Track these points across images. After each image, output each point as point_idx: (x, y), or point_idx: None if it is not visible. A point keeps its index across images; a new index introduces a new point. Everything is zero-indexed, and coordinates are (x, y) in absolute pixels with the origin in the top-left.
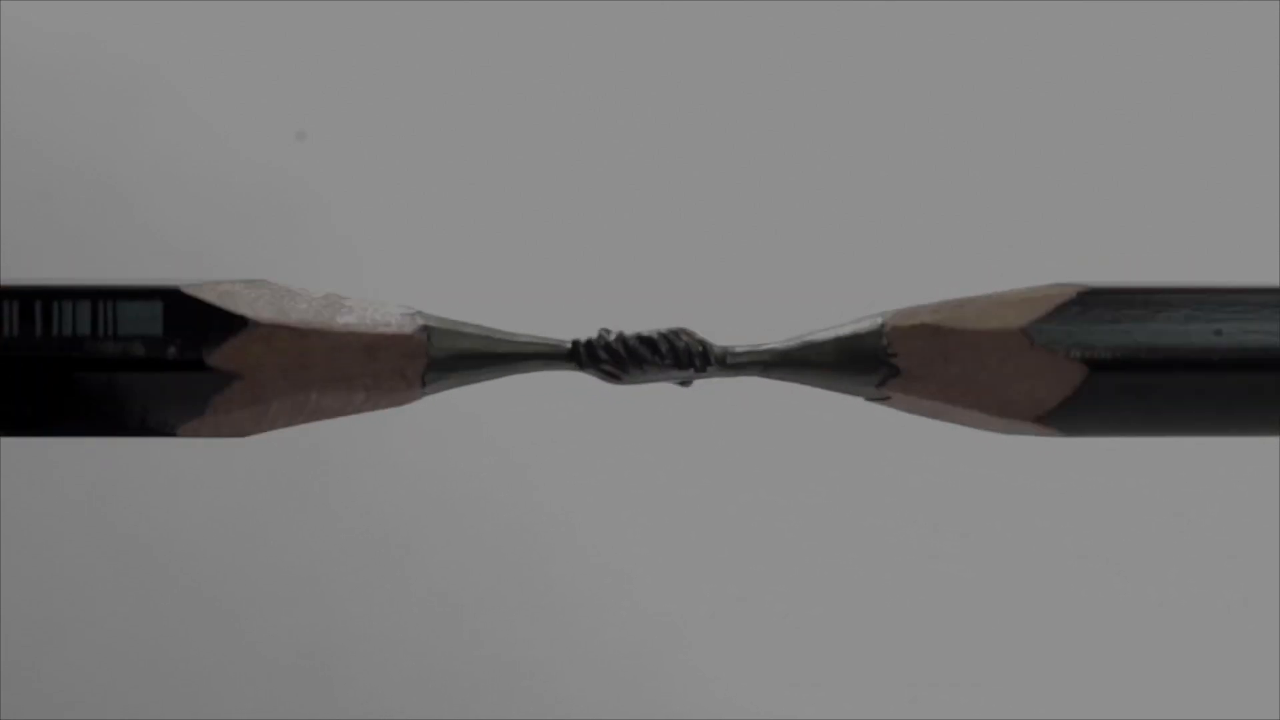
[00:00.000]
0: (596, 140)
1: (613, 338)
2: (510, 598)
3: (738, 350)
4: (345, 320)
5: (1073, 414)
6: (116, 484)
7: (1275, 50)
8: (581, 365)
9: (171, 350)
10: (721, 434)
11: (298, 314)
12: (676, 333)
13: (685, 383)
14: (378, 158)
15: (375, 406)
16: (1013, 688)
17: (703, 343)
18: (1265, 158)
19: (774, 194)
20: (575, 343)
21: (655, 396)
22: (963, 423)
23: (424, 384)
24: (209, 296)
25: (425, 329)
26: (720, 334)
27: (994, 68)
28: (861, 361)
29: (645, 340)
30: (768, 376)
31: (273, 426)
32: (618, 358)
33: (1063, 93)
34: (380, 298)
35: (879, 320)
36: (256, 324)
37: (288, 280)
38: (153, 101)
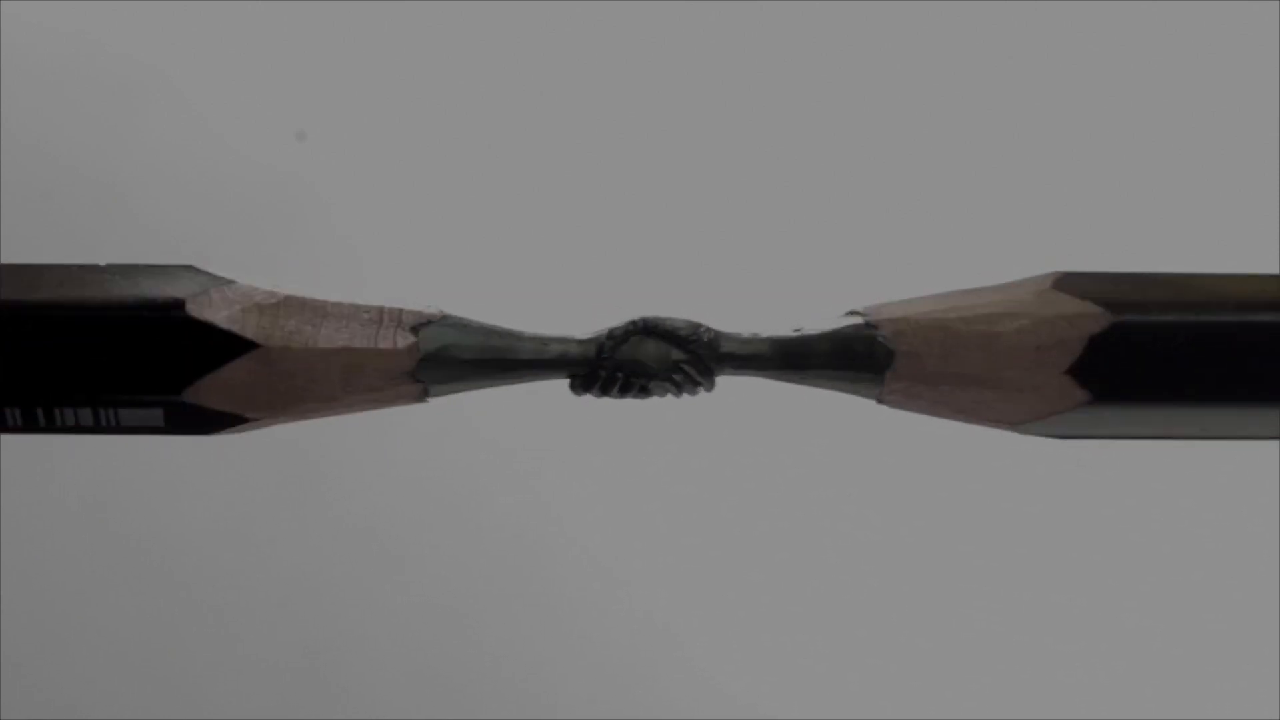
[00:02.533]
0: (595, 140)
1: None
2: (509, 600)
3: (737, 338)
4: (337, 334)
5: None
6: (116, 486)
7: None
8: (597, 362)
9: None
10: (720, 439)
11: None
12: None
13: (683, 381)
14: (378, 158)
15: (373, 406)
16: (1012, 687)
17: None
18: (1237, 148)
19: (753, 188)
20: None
21: (653, 399)
22: (970, 384)
23: (423, 389)
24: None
25: (417, 339)
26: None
27: (978, 59)
28: (861, 358)
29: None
30: (764, 371)
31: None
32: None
33: (1047, 83)
34: (383, 297)
35: (867, 318)
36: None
37: (288, 280)
38: (153, 101)
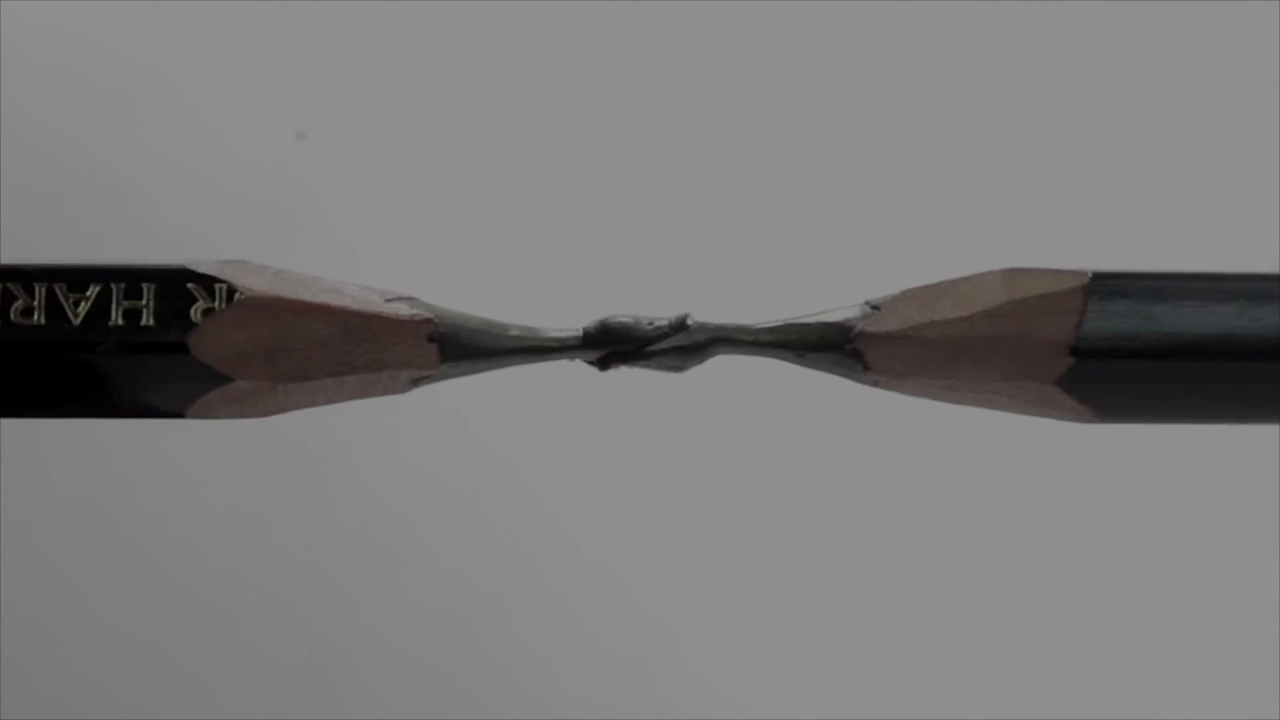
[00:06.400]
0: (599, 139)
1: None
2: (509, 598)
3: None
4: (346, 303)
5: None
6: (116, 482)
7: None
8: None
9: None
10: (720, 431)
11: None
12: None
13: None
14: (377, 157)
15: (374, 394)
16: (1012, 687)
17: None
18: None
19: (750, 181)
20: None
21: (653, 393)
22: (952, 359)
23: (435, 364)
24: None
25: (430, 319)
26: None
27: (983, 53)
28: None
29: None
30: (755, 349)
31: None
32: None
33: (1052, 74)
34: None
35: (860, 310)
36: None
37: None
38: (153, 101)
